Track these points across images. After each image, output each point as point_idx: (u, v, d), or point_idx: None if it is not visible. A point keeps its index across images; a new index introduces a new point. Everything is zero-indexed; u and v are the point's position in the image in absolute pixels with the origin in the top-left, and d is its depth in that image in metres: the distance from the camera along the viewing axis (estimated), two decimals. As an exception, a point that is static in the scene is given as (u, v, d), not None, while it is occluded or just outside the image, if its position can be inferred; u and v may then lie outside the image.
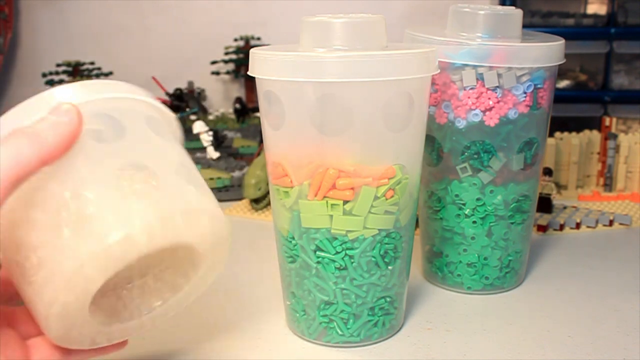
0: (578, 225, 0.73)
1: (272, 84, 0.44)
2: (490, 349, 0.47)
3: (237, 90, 1.17)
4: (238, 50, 1.10)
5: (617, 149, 0.84)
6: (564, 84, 1.00)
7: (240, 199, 0.83)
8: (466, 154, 0.54)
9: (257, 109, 0.91)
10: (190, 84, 1.09)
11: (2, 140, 0.30)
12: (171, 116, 0.40)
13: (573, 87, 1.00)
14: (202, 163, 0.85)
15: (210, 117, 1.00)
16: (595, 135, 0.86)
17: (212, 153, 0.86)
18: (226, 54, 1.11)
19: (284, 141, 0.45)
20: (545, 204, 0.74)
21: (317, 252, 0.45)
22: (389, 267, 0.47)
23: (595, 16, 0.99)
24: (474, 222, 0.55)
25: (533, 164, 0.55)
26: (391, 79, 0.42)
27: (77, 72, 1.00)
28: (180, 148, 0.38)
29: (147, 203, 0.32)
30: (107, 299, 0.37)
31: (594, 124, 0.92)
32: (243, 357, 0.47)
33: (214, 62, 1.10)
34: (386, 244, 0.46)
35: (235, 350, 0.48)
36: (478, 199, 0.54)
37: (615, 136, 0.84)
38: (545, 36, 0.57)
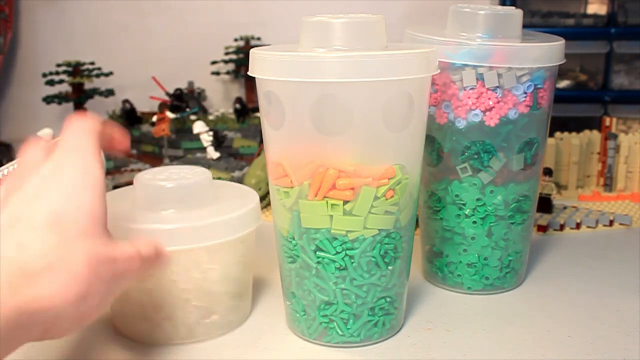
0: (578, 226, 0.73)
1: (272, 84, 0.44)
2: (490, 349, 0.47)
3: (237, 90, 1.17)
4: (238, 50, 1.10)
5: (617, 149, 0.84)
6: (564, 84, 1.00)
7: (240, 199, 0.83)
8: (466, 154, 0.54)
9: (257, 109, 0.91)
10: (190, 84, 1.09)
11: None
12: None
13: (573, 87, 1.00)
14: (202, 163, 0.85)
15: (210, 117, 1.00)
16: (595, 135, 0.86)
17: (212, 153, 0.86)
18: (226, 54, 1.11)
19: (284, 141, 0.45)
20: (545, 204, 0.74)
21: (317, 252, 0.45)
22: (389, 267, 0.47)
23: (595, 16, 0.99)
24: (474, 222, 0.55)
25: (533, 164, 0.55)
26: (391, 79, 0.42)
27: (77, 72, 1.00)
28: None
29: None
30: None
31: (594, 124, 0.92)
32: (243, 357, 0.47)
33: (214, 62, 1.10)
34: (386, 244, 0.46)
35: (236, 350, 0.48)
36: (478, 199, 0.54)
37: (615, 136, 0.84)
38: (545, 36, 0.57)
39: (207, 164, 0.85)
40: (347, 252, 0.45)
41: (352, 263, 0.45)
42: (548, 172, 0.77)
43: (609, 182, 0.85)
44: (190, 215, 0.47)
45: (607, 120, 0.86)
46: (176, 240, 0.45)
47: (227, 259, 0.49)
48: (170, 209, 0.48)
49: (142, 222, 0.46)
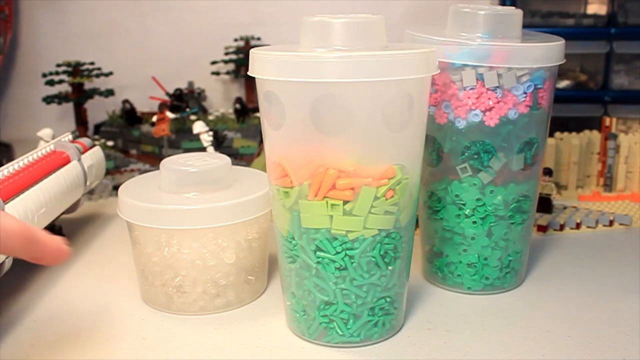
0: (578, 226, 0.73)
1: (272, 84, 0.44)
2: (490, 349, 0.48)
3: (237, 90, 1.17)
4: (238, 50, 1.10)
5: (617, 149, 0.84)
6: (564, 84, 1.00)
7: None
8: (466, 154, 0.54)
9: (257, 109, 0.91)
10: (190, 84, 1.09)
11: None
12: None
13: (573, 87, 1.00)
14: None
15: (210, 117, 1.00)
16: (595, 135, 0.86)
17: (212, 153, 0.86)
18: (226, 54, 1.11)
19: (284, 141, 0.45)
20: (545, 204, 0.74)
21: (317, 253, 0.45)
22: (389, 268, 0.47)
23: (595, 16, 0.99)
24: (474, 222, 0.55)
25: (533, 164, 0.55)
26: (391, 79, 0.42)
27: (77, 72, 1.00)
28: None
29: None
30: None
31: (594, 124, 0.92)
32: (243, 357, 0.47)
33: (214, 62, 1.10)
34: (386, 244, 0.46)
35: (236, 350, 0.48)
36: (478, 199, 0.54)
37: (615, 136, 0.84)
38: (545, 36, 0.57)
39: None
40: (347, 252, 0.45)
41: (352, 263, 0.45)
42: (548, 172, 0.77)
43: (609, 182, 0.85)
44: (211, 197, 0.52)
45: (607, 121, 0.86)
46: (198, 220, 0.50)
47: (244, 238, 0.53)
48: (193, 191, 0.53)
49: (167, 203, 0.51)
